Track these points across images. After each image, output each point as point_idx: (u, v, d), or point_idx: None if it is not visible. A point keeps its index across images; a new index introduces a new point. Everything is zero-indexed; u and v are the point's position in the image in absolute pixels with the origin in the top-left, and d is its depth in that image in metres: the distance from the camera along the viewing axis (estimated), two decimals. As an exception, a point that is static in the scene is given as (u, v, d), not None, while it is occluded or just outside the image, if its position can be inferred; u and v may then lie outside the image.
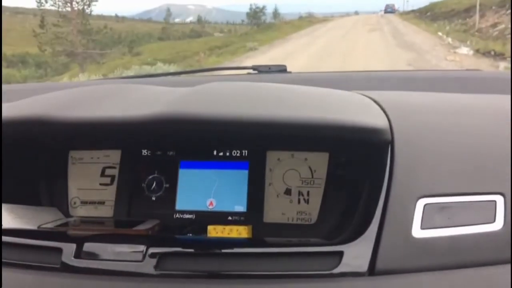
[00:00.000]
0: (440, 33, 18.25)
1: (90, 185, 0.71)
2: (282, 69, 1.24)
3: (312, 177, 0.66)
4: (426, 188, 0.54)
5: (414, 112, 0.70)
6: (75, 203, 0.71)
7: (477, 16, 17.22)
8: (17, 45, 27.43)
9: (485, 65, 9.68)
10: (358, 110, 0.65)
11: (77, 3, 19.60)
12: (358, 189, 0.60)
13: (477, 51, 11.87)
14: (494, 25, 16.09)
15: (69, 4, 19.31)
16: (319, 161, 0.66)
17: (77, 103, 0.66)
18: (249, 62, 13.03)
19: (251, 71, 1.26)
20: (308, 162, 0.66)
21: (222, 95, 0.67)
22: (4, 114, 0.62)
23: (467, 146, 0.61)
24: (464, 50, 12.73)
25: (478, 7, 17.26)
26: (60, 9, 19.31)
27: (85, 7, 19.73)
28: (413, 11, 40.97)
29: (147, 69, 9.43)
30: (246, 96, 0.67)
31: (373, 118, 0.61)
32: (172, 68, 9.71)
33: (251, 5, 56.43)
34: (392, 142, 0.59)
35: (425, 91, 0.92)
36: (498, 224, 0.52)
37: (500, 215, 0.53)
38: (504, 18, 16.56)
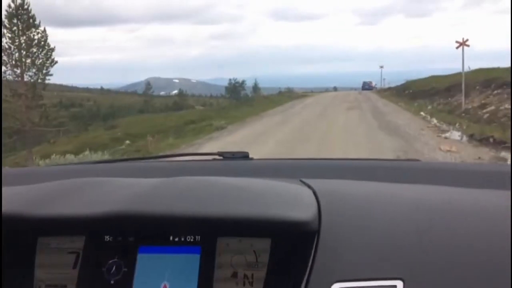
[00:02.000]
0: (423, 113, 16.98)
1: (55, 269, 0.75)
2: (245, 156, 1.39)
3: (257, 261, 0.72)
4: (341, 273, 0.63)
5: (346, 202, 0.82)
6: (39, 287, 0.75)
7: (463, 97, 16.04)
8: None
9: (487, 156, 7.96)
10: (290, 203, 0.77)
11: (30, 76, 17.86)
12: (290, 274, 0.69)
13: (471, 136, 10.27)
14: (482, 106, 14.84)
15: (19, 78, 17.54)
16: (263, 246, 0.72)
17: (46, 200, 0.80)
18: (210, 146, 11.29)
19: (216, 157, 1.39)
20: (254, 247, 0.72)
21: (178, 193, 0.82)
22: None
23: (381, 235, 0.70)
24: (456, 135, 11.14)
25: (463, 86, 16.16)
26: (10, 83, 17.44)
27: (39, 80, 17.94)
28: (390, 88, 40.93)
29: (69, 159, 8.08)
30: (197, 193, 0.82)
31: (302, 211, 0.73)
32: (98, 157, 7.82)
33: (230, 79, 56.63)
34: (318, 232, 0.71)
35: (375, 180, 1.04)
36: None
37: None
38: (491, 99, 15.39)
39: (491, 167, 1.67)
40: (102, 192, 0.83)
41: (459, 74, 29.28)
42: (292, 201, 0.79)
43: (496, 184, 1.03)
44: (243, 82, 55.98)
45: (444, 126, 12.65)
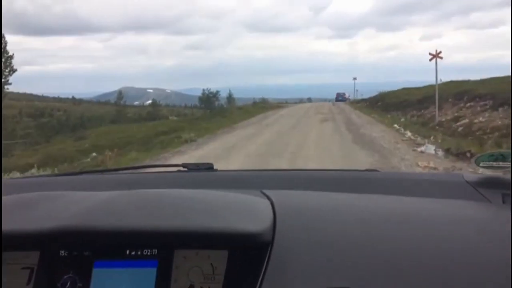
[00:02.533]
0: (396, 126, 16.76)
1: (10, 285, 0.74)
2: (209, 167, 1.39)
3: (213, 273, 0.72)
4: (291, 284, 0.65)
5: (302, 213, 0.83)
6: None
7: (436, 109, 15.89)
8: None
9: (467, 172, 7.56)
10: (246, 215, 0.79)
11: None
12: (244, 285, 0.70)
13: (447, 151, 9.95)
14: (455, 119, 14.70)
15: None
16: (220, 258, 0.73)
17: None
18: (175, 161, 10.59)
19: (181, 168, 1.40)
20: (211, 259, 0.73)
21: (134, 206, 0.81)
22: None
23: (334, 246, 0.72)
24: (431, 149, 10.82)
25: (437, 98, 16.02)
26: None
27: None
28: (363, 100, 41.13)
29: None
30: (154, 206, 0.81)
31: (256, 223, 0.75)
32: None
33: (203, 89, 55.93)
34: (272, 243, 0.72)
35: (335, 190, 1.08)
36: None
37: None
38: (464, 112, 15.29)
39: (445, 176, 1.70)
40: (56, 206, 0.83)
41: (430, 86, 29.64)
42: (248, 213, 0.81)
43: (450, 194, 1.11)
44: (217, 92, 55.46)
45: (419, 139, 12.36)
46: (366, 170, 1.54)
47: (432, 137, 12.47)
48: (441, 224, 0.82)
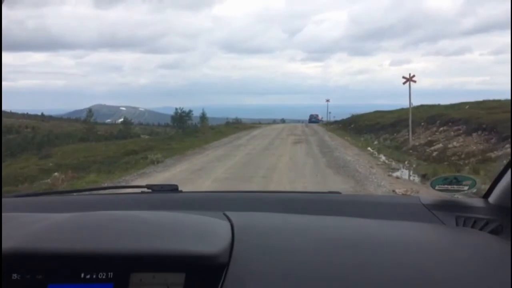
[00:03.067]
0: (370, 149, 16.50)
1: None
2: (174, 189, 1.39)
3: None
4: None
5: (261, 235, 0.84)
6: None
7: (410, 133, 15.71)
8: None
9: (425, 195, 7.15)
10: (203, 237, 0.79)
11: None
12: None
13: (423, 177, 9.58)
14: (429, 143, 14.52)
15: None
16: (177, 281, 0.72)
17: None
18: (140, 183, 9.82)
19: (145, 189, 1.38)
20: (168, 282, 0.72)
21: (89, 228, 0.79)
22: None
23: (290, 267, 0.72)
24: (407, 174, 10.46)
25: (410, 122, 15.87)
26: None
27: None
28: (336, 122, 41.23)
29: None
30: (110, 228, 0.79)
31: (212, 245, 0.75)
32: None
33: (176, 108, 55.06)
34: (228, 265, 0.73)
35: (297, 212, 1.11)
36: None
37: None
38: (438, 136, 15.16)
39: (403, 199, 1.74)
40: (9, 228, 0.80)
41: (402, 109, 29.92)
42: (205, 235, 0.81)
43: (407, 216, 1.15)
44: (190, 111, 54.59)
45: (394, 164, 12.01)
46: (329, 192, 1.54)
47: (406, 162, 12.17)
48: (396, 246, 0.85)
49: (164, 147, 20.20)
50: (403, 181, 9.35)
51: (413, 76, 15.12)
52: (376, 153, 15.12)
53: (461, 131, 14.26)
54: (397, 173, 10.43)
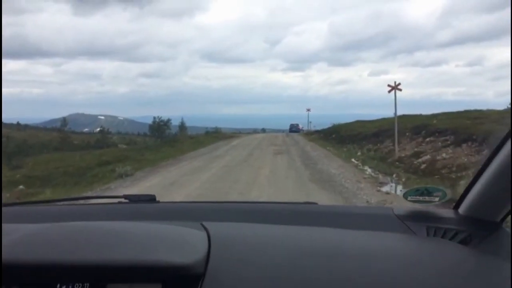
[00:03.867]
0: (354, 160, 15.75)
1: None
2: (151, 199, 1.39)
3: None
4: None
5: (237, 245, 0.85)
6: None
7: (396, 144, 15.00)
8: None
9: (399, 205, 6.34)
10: (179, 248, 0.78)
11: None
12: None
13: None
14: (416, 154, 13.83)
15: None
16: None
17: None
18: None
19: (122, 200, 1.36)
20: None
21: (64, 239, 0.78)
22: None
23: (265, 277, 0.73)
24: (398, 189, 9.66)
25: (396, 132, 15.18)
26: None
27: None
28: (317, 131, 40.54)
29: None
30: (86, 239, 0.78)
31: (188, 256, 0.75)
32: None
33: (154, 117, 53.73)
34: (204, 275, 0.73)
35: (274, 223, 1.11)
36: None
37: None
38: (424, 147, 14.50)
39: (377, 210, 1.75)
40: None
41: (384, 119, 29.43)
42: (181, 246, 0.80)
43: (380, 226, 1.17)
44: (168, 120, 53.34)
45: (381, 177, 11.21)
46: (305, 203, 1.56)
47: (394, 175, 11.40)
48: (367, 255, 0.86)
49: (138, 158, 19.14)
50: (395, 197, 8.52)
51: (399, 84, 14.45)
52: (360, 164, 14.35)
53: (449, 142, 13.61)
54: (386, 188, 9.62)
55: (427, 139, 15.16)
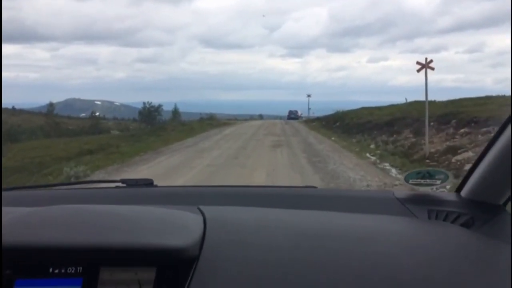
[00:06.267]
0: (369, 156, 12.91)
1: None
2: (149, 183, 1.37)
3: None
4: None
5: (233, 228, 0.84)
6: None
7: (426, 137, 12.08)
8: None
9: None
10: (173, 231, 0.77)
11: None
12: None
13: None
14: (451, 150, 10.95)
15: None
16: (148, 275, 0.70)
17: None
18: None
19: (119, 184, 1.35)
20: (138, 276, 0.70)
21: (56, 222, 0.77)
22: None
23: (261, 261, 0.72)
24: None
25: (427, 122, 12.26)
26: None
27: None
28: (318, 118, 37.53)
29: None
30: (78, 222, 0.77)
31: (182, 239, 0.74)
32: None
33: (144, 103, 50.61)
34: (198, 258, 0.72)
35: (272, 206, 1.08)
36: None
37: None
38: (460, 141, 11.61)
39: (377, 193, 1.74)
40: None
41: (393, 106, 26.52)
42: (176, 229, 0.79)
43: (381, 209, 1.15)
44: (159, 106, 50.24)
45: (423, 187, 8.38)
46: (305, 186, 1.53)
47: (439, 181, 8.56)
48: (367, 238, 0.85)
49: (113, 150, 16.40)
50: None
51: (431, 61, 11.50)
52: (380, 162, 11.53)
53: (491, 134, 10.72)
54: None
55: (461, 131, 12.28)
